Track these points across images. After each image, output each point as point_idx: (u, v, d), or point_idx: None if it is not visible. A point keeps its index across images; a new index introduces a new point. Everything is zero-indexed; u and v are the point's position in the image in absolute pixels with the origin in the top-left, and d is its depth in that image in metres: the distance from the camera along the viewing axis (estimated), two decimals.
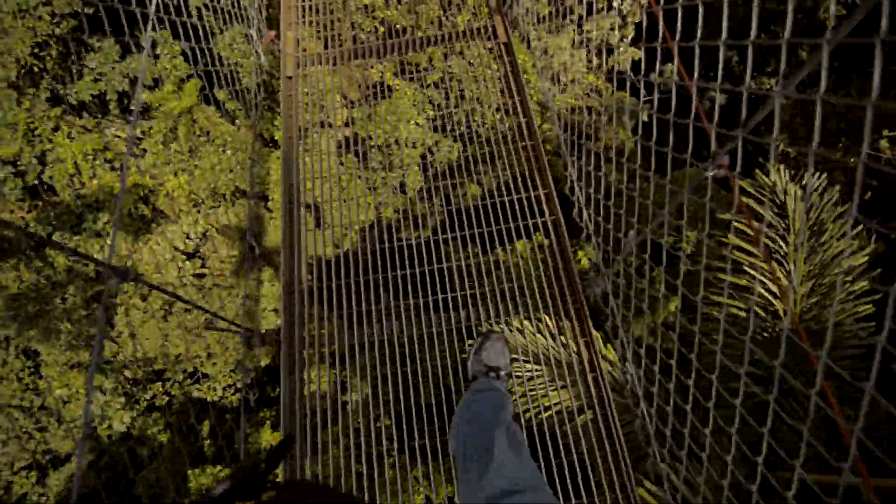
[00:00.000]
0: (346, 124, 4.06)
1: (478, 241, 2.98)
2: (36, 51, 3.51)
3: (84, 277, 3.41)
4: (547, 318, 2.53)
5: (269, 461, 0.68)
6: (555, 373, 2.35)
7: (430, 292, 2.94)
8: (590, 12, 4.83)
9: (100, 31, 3.71)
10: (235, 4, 3.79)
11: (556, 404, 2.25)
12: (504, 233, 2.93)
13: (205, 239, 3.93)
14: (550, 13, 4.18)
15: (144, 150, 3.79)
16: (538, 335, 2.51)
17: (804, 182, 2.35)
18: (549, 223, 2.91)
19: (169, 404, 3.44)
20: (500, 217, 2.97)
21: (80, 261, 3.39)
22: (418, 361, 2.75)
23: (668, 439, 1.80)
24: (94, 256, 3.02)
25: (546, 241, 2.88)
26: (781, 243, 2.25)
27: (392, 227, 3.46)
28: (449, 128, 3.72)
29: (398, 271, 3.01)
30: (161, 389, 3.42)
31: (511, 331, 2.56)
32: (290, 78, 3.44)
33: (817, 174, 2.38)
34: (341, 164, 3.66)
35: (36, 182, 3.46)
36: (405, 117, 3.93)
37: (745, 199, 2.41)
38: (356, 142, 3.73)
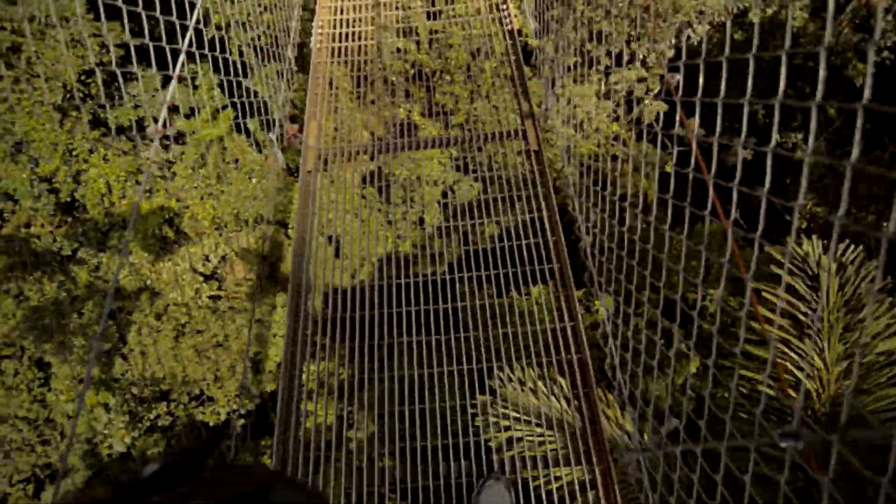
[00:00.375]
0: (371, 158, 3.96)
1: (484, 282, 2.81)
2: (83, 78, 3.54)
3: (103, 294, 3.33)
4: (550, 376, 2.29)
5: (204, 448, 0.62)
6: (557, 438, 2.09)
7: (433, 331, 2.75)
8: (616, 64, 4.68)
9: (144, 61, 3.74)
10: (273, 43, 3.78)
11: (556, 478, 1.99)
12: (511, 277, 2.75)
13: (224, 262, 3.83)
14: (576, 63, 4.05)
15: (175, 174, 3.76)
16: (531, 394, 2.26)
17: (837, 253, 2.07)
18: (555, 270, 2.72)
19: (172, 426, 3.28)
20: (509, 260, 2.80)
21: (100, 277, 3.32)
22: (417, 402, 2.54)
23: None
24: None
25: (552, 289, 2.67)
26: (814, 318, 1.97)
27: (402, 262, 3.29)
28: (471, 168, 3.59)
29: (403, 307, 2.83)
30: (165, 410, 3.27)
31: (517, 388, 2.32)
32: (309, 172, 3.10)
33: (850, 245, 2.11)
34: (361, 196, 3.54)
35: (68, 199, 3.44)
36: (428, 155, 3.81)
37: (774, 268, 2.14)
38: (379, 177, 3.62)
